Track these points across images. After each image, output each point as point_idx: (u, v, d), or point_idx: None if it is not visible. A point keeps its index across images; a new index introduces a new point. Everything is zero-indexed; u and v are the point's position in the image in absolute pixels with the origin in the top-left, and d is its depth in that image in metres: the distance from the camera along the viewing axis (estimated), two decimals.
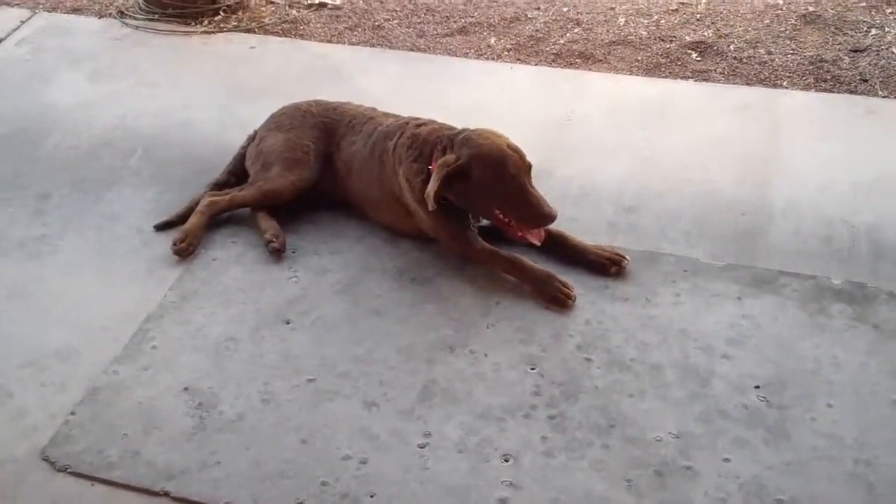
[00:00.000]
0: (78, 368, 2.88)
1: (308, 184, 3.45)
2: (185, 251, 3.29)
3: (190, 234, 3.32)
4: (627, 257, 3.17)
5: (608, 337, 2.92)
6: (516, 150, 3.11)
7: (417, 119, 3.36)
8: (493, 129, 3.18)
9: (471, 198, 3.13)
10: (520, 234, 3.12)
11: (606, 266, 3.16)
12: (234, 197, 3.44)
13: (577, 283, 3.10)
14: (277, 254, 3.27)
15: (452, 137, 3.18)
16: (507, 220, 3.12)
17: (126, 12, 5.05)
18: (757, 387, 2.72)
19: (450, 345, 2.93)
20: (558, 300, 3.05)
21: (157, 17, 4.98)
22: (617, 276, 3.15)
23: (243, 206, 3.45)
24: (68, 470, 2.56)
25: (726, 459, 2.51)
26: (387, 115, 3.50)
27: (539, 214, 3.06)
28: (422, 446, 2.59)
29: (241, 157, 3.60)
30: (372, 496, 2.46)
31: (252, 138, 3.63)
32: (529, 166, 3.12)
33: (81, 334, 3.00)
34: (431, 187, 3.07)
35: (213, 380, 2.82)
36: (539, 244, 3.12)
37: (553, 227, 3.22)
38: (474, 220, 3.25)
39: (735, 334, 2.91)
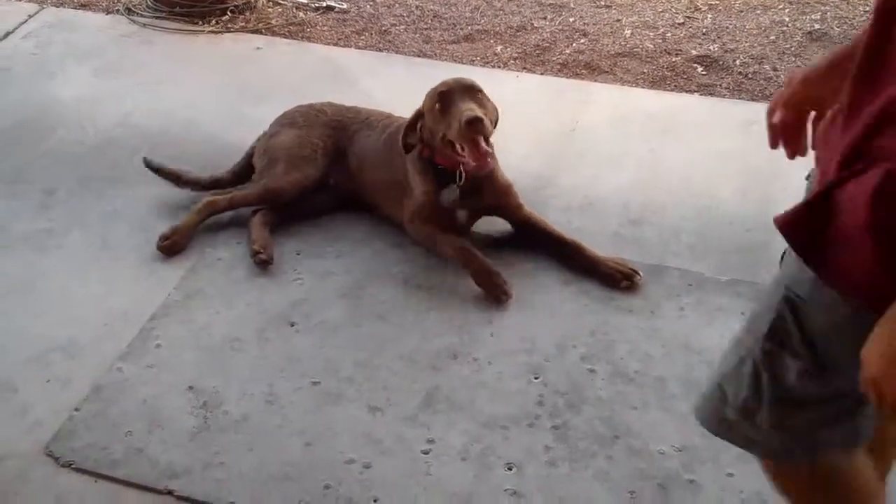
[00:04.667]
0: (82, 365, 2.88)
1: (313, 182, 3.46)
2: (169, 248, 3.28)
3: (178, 231, 3.31)
4: (640, 273, 3.17)
5: (612, 348, 2.93)
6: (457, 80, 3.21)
7: None
8: None
9: (428, 135, 3.22)
10: (466, 160, 3.13)
11: (617, 279, 3.16)
12: (235, 196, 3.44)
13: (582, 293, 3.12)
14: (264, 265, 3.24)
15: None
16: (458, 148, 3.14)
17: (134, 9, 5.05)
18: None
19: (453, 352, 2.93)
20: (494, 294, 3.09)
21: (164, 15, 4.98)
22: (628, 290, 3.14)
23: (245, 205, 3.44)
24: (72, 466, 2.55)
25: (730, 474, 2.52)
26: (403, 117, 3.52)
27: (463, 120, 3.05)
28: (425, 452, 2.60)
29: (249, 156, 3.61)
30: (375, 501, 2.46)
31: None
32: (468, 86, 3.19)
33: (86, 331, 3.00)
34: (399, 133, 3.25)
35: (218, 380, 2.82)
36: (479, 168, 3.11)
37: (568, 236, 3.27)
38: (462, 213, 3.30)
39: None
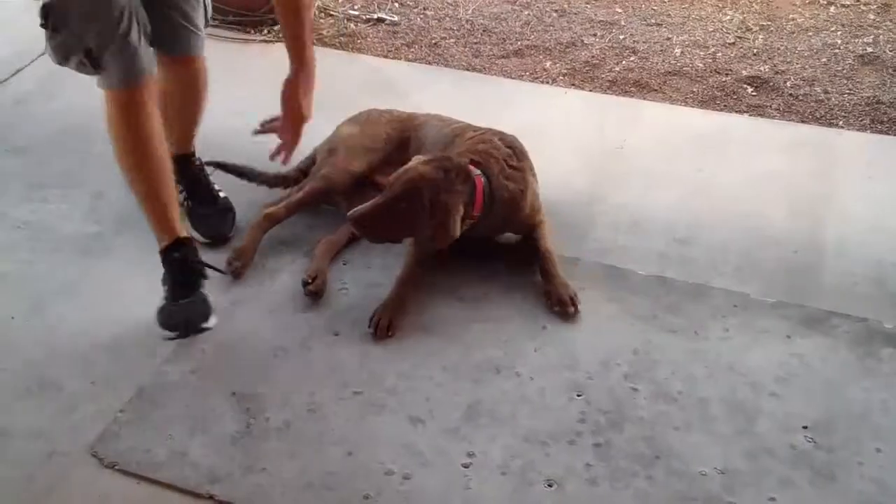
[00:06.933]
0: (127, 367, 2.91)
1: (373, 168, 3.47)
2: (240, 271, 3.27)
3: (245, 253, 3.31)
4: (577, 307, 3.11)
5: (656, 368, 2.92)
6: None
7: (492, 130, 3.37)
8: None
9: None
10: None
11: (553, 300, 3.13)
12: (290, 202, 3.44)
13: (626, 311, 3.13)
14: (313, 297, 3.19)
15: None
16: None
17: None
18: (805, 427, 2.71)
19: (496, 366, 2.93)
20: (372, 322, 3.06)
21: (216, 23, 4.99)
22: (559, 315, 3.11)
23: (304, 207, 3.46)
24: (116, 467, 2.59)
25: (771, 499, 2.50)
26: (458, 121, 3.55)
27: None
28: (466, 466, 2.60)
29: (313, 158, 3.64)
30: None
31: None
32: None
33: (131, 333, 3.04)
34: None
35: (261, 386, 2.84)
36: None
37: (545, 246, 3.26)
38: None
39: (783, 373, 2.89)
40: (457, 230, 3.04)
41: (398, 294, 3.15)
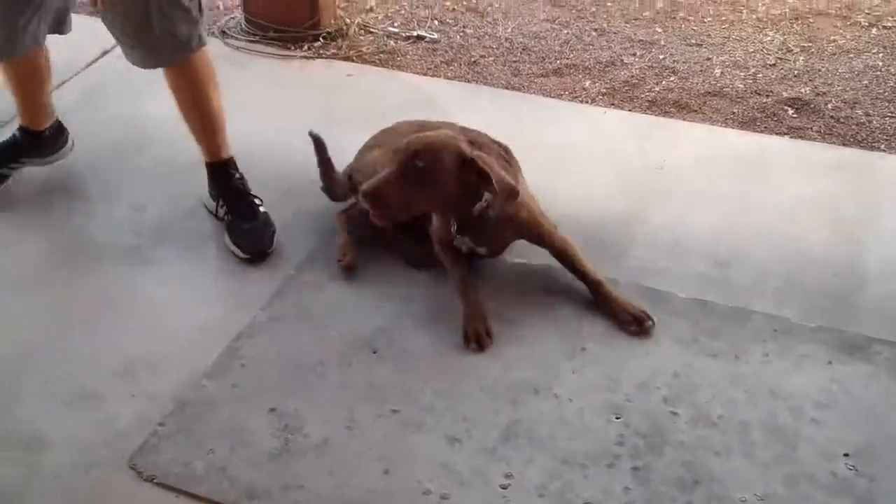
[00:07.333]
0: (167, 380, 2.92)
1: None
2: (350, 265, 3.35)
3: (347, 249, 3.39)
4: (654, 320, 3.12)
5: (695, 392, 2.89)
6: None
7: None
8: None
9: None
10: None
11: (627, 321, 3.12)
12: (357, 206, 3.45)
13: (665, 334, 3.10)
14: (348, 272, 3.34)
15: None
16: None
17: (228, 32, 5.14)
18: (846, 454, 2.67)
19: (534, 386, 2.92)
20: (470, 340, 3.06)
21: (257, 39, 5.06)
22: (636, 335, 3.10)
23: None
24: (154, 480, 2.59)
25: None
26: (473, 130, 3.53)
27: None
28: (504, 487, 2.59)
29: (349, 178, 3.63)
30: None
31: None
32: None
33: (172, 347, 3.06)
34: None
35: (300, 403, 2.85)
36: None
37: (592, 274, 3.23)
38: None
39: (824, 399, 2.86)
40: (516, 183, 3.06)
41: (470, 302, 3.15)
